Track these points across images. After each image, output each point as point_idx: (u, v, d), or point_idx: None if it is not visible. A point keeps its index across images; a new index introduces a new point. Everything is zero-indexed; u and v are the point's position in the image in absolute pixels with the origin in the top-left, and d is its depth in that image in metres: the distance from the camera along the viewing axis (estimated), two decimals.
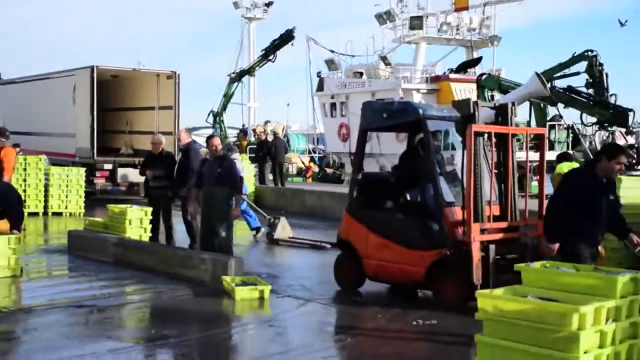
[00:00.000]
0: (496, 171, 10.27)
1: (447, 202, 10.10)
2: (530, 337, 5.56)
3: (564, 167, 13.00)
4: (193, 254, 12.31)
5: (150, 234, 14.40)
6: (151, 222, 14.42)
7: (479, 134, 9.85)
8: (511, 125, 10.42)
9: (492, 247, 9.59)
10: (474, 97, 31.20)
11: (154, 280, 11.57)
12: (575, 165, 13.30)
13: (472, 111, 9.88)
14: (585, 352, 5.38)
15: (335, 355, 8.24)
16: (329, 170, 35.56)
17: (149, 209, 14.59)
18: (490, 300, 5.81)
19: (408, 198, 10.68)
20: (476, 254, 9.28)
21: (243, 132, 39.17)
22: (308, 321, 9.72)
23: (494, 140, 10.06)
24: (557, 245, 7.97)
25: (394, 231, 10.44)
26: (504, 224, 10.04)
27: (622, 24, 32.39)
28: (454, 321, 9.41)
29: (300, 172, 35.75)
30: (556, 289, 5.98)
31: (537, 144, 11.61)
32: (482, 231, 9.63)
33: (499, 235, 9.89)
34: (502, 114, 10.35)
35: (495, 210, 9.99)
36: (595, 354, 5.50)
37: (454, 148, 11.28)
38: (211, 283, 11.18)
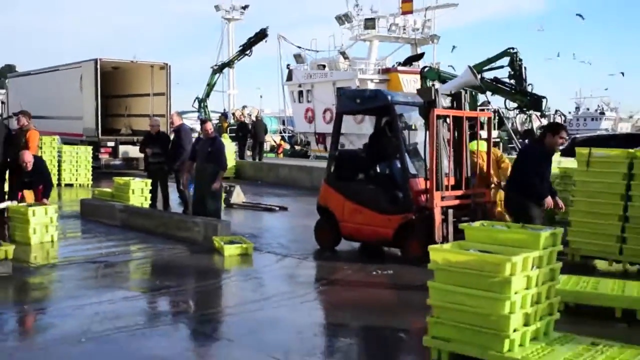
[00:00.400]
0: (452, 149, 10.30)
1: (411, 174, 10.10)
2: (472, 282, 5.67)
3: (474, 145, 13.06)
4: (187, 218, 12.31)
5: (150, 202, 14.42)
6: (150, 191, 14.44)
7: (439, 117, 9.90)
8: (464, 110, 10.55)
9: (450, 211, 9.69)
10: (417, 86, 31.53)
11: (155, 240, 11.61)
12: (483, 143, 13.38)
13: (433, 98, 9.95)
14: (515, 293, 5.52)
15: (311, 300, 8.22)
16: (297, 147, 35.58)
17: (149, 181, 14.57)
18: (440, 253, 5.92)
19: (378, 171, 10.70)
20: (438, 217, 9.37)
21: (224, 115, 38.86)
22: (286, 273, 9.83)
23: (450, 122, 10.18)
24: (549, 199, 8.15)
25: (367, 199, 10.42)
26: (459, 192, 10.08)
27: (540, 29, 33.01)
28: (407, 272, 9.51)
29: (273, 149, 35.75)
30: (492, 243, 6.07)
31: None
32: (442, 198, 9.68)
33: (455, 202, 9.96)
34: (456, 101, 10.49)
35: (452, 181, 10.02)
36: (523, 295, 5.63)
37: (415, 129, 11.30)
38: (203, 242, 11.22)
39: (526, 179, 8.33)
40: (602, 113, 77.62)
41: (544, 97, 27.76)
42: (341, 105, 11.64)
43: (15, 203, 11.41)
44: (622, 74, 70.75)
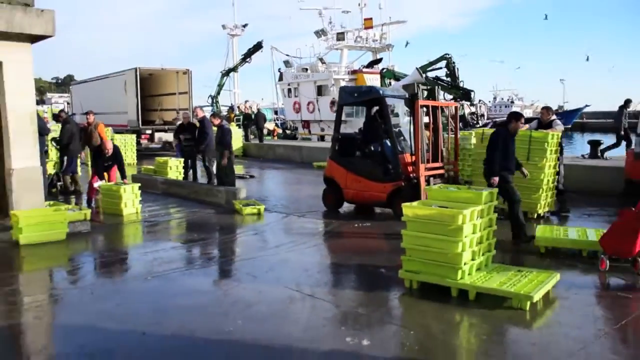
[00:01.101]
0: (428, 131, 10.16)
1: (400, 150, 10.00)
2: (434, 229, 5.77)
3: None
4: (213, 187, 12.24)
5: (183, 175, 14.36)
6: (183, 167, 14.35)
7: (421, 107, 9.82)
8: (437, 100, 10.49)
9: (431, 179, 9.74)
10: (378, 84, 31.36)
11: (189, 204, 11.56)
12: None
13: (416, 91, 9.88)
14: (465, 237, 5.67)
15: (312, 246, 8.17)
16: (288, 132, 35.35)
17: (181, 159, 14.54)
18: (411, 209, 5.96)
19: (372, 149, 10.47)
20: (422, 183, 9.36)
21: (231, 108, 38.54)
22: (290, 227, 9.70)
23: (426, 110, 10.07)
24: (497, 178, 7.86)
25: (365, 171, 10.29)
26: (436, 164, 10.04)
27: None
28: (383, 225, 9.66)
29: (269, 133, 35.55)
30: (448, 200, 6.16)
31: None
32: (425, 169, 9.65)
33: (434, 172, 9.92)
34: (430, 94, 10.35)
35: (429, 156, 9.95)
36: (470, 238, 5.77)
37: (397, 115, 11.10)
38: (225, 205, 11.19)
39: (492, 157, 8.13)
40: (512, 102, 77.58)
41: (472, 91, 27.69)
42: (342, 98, 11.28)
43: (104, 182, 11.19)
44: (519, 67, 70.57)
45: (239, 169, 18.74)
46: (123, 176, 11.19)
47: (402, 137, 10.52)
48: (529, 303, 5.28)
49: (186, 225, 10.05)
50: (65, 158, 12.99)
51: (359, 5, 36.20)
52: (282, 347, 4.59)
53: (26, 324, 5.32)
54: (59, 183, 13.00)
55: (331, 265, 7.45)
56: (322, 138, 30.49)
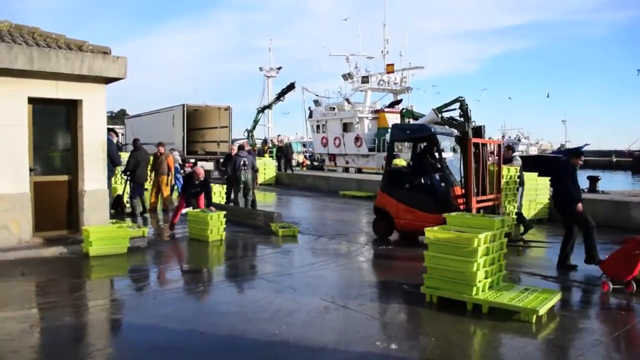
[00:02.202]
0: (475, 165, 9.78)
1: (452, 184, 9.84)
2: (452, 250, 6.01)
3: (397, 162, 13.26)
4: (253, 211, 12.55)
5: (225, 199, 14.65)
6: (226, 193, 14.71)
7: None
8: (484, 139, 10.22)
9: (481, 211, 9.47)
10: (398, 122, 31.58)
11: (231, 225, 11.37)
12: (403, 161, 13.70)
13: (467, 130, 9.78)
14: (480, 258, 5.91)
15: (342, 264, 8.42)
16: (315, 163, 35.82)
17: (224, 186, 14.88)
18: (432, 233, 6.21)
19: (422, 182, 10.26)
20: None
21: (264, 141, 39.36)
22: (322, 247, 9.80)
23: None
24: (580, 205, 7.89)
25: (417, 202, 9.98)
26: (484, 197, 9.84)
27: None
28: (406, 247, 9.93)
29: (298, 164, 36.06)
30: (464, 226, 6.38)
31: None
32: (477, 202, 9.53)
33: (483, 204, 9.75)
34: (477, 132, 10.00)
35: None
36: (484, 259, 6.00)
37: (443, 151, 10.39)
38: (263, 227, 11.34)
39: (566, 187, 8.18)
40: (519, 140, 77.38)
41: (483, 126, 27.95)
42: (393, 135, 10.99)
43: (191, 209, 10.90)
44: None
45: (270, 196, 19.15)
46: (209, 203, 10.95)
47: (449, 171, 10.26)
48: (535, 316, 5.51)
49: (231, 243, 10.20)
50: (132, 184, 13.34)
51: (382, 52, 37.10)
52: (321, 348, 4.88)
53: (101, 322, 5.71)
54: (120, 206, 13.34)
55: (360, 281, 7.67)
56: (346, 170, 30.81)
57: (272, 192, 20.93)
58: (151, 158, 14.05)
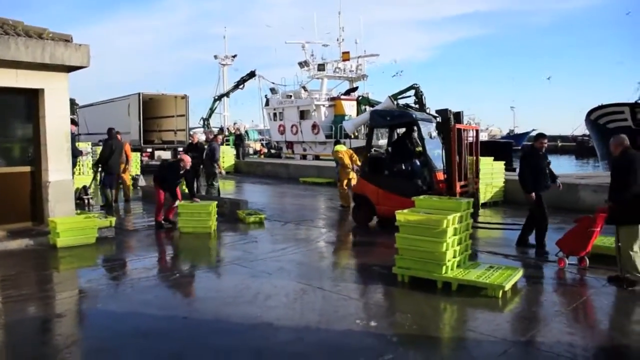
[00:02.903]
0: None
1: (434, 169, 9.87)
2: (422, 232, 6.29)
3: (337, 147, 13.81)
4: (219, 199, 12.30)
5: (187, 189, 14.50)
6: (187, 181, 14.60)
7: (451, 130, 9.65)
8: (463, 124, 10.29)
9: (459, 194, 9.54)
10: (354, 111, 31.87)
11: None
12: (344, 147, 14.03)
13: (449, 116, 9.78)
14: (449, 238, 6.23)
15: (312, 249, 8.57)
16: (272, 151, 35.76)
17: None
18: (403, 215, 6.47)
19: (403, 168, 10.24)
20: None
21: (220, 129, 38.96)
22: (290, 233, 9.94)
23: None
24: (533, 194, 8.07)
25: (397, 188, 9.95)
26: (464, 182, 9.98)
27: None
28: (371, 232, 10.21)
29: (255, 152, 35.94)
30: (433, 208, 6.68)
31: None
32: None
33: (463, 189, 9.91)
34: (456, 118, 10.02)
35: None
36: (452, 239, 6.32)
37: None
38: (229, 214, 11.33)
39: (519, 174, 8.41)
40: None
41: (436, 116, 28.58)
42: (373, 121, 11.01)
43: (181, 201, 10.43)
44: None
45: (230, 184, 19.17)
46: (192, 194, 10.82)
47: (429, 157, 10.25)
48: (501, 292, 5.88)
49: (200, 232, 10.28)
50: (104, 174, 13.03)
51: (338, 40, 37.18)
52: (304, 327, 5.08)
53: (81, 311, 5.73)
54: (85, 197, 13.06)
55: (333, 264, 7.93)
56: (304, 157, 30.96)
57: (231, 180, 20.90)
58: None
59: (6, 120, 9.27)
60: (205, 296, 6.18)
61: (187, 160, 10.61)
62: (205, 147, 14.30)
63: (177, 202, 10.44)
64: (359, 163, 12.81)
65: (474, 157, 10.75)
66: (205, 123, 38.45)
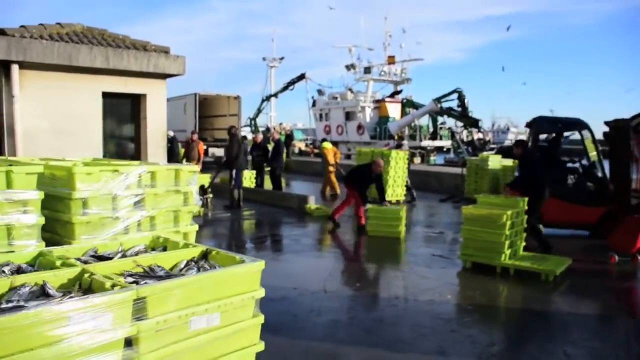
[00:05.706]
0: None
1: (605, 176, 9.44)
2: (485, 224, 7.22)
3: (324, 144, 16.02)
4: (286, 194, 13.66)
5: (255, 184, 15.48)
6: (255, 177, 15.63)
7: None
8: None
9: None
10: (398, 113, 32.68)
11: (263, 208, 12.70)
12: (330, 145, 16.22)
13: (634, 125, 9.22)
14: (507, 230, 7.16)
15: (381, 237, 9.55)
16: (317, 151, 36.67)
17: (254, 171, 15.78)
18: (468, 210, 7.43)
19: (579, 176, 9.88)
20: None
21: (267, 129, 40.18)
22: (354, 225, 10.48)
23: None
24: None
25: (577, 196, 9.57)
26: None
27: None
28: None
29: (301, 152, 36.79)
30: (494, 204, 7.59)
31: None
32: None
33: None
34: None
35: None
36: (510, 231, 7.21)
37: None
38: (297, 209, 12.33)
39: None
40: (508, 128, 79.13)
41: (479, 119, 29.10)
42: (540, 127, 10.16)
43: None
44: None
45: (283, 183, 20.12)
46: (382, 198, 10.48)
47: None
48: (552, 277, 6.88)
49: (266, 222, 11.29)
50: (234, 172, 12.73)
51: (384, 44, 38.20)
52: (402, 297, 6.20)
53: None
54: (205, 196, 12.89)
55: (400, 249, 8.95)
56: (348, 157, 31.96)
57: (282, 179, 21.89)
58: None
59: (116, 121, 10.69)
60: (305, 270, 7.34)
61: (381, 164, 10.46)
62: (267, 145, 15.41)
63: (367, 206, 10.16)
64: (339, 160, 15.76)
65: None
66: (252, 122, 39.81)
